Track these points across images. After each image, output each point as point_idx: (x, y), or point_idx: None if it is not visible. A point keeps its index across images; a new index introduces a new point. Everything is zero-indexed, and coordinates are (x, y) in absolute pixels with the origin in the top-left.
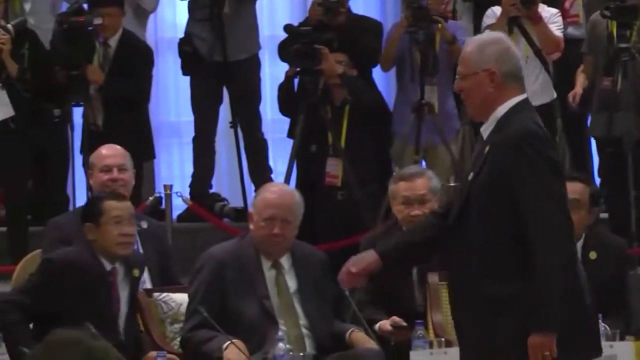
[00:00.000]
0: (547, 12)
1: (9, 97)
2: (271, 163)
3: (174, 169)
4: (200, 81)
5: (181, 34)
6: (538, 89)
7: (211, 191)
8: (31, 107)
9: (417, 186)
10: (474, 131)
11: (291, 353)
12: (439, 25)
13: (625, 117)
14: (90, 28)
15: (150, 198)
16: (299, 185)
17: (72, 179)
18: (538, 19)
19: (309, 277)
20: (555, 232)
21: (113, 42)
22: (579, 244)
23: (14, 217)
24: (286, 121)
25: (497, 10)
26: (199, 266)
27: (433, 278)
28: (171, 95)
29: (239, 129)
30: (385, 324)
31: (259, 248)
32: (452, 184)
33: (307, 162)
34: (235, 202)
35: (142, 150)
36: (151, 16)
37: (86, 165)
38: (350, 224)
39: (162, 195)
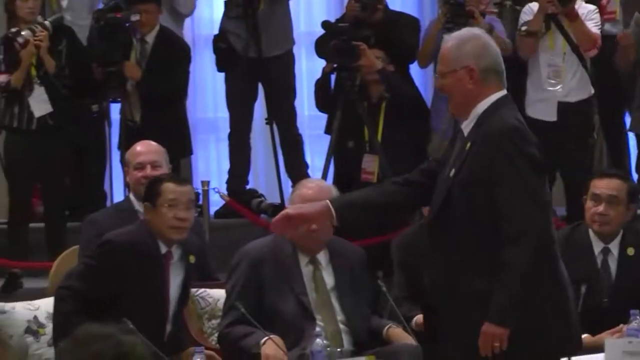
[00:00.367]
0: (585, 9)
1: (48, 94)
2: (308, 159)
3: (211, 165)
4: (235, 77)
5: (216, 31)
6: (575, 85)
7: (248, 187)
8: (69, 103)
9: None
10: None
11: (328, 349)
12: (475, 16)
13: None
14: (127, 24)
15: None
16: (335, 181)
17: (110, 175)
18: (575, 16)
19: (346, 272)
20: (528, 228)
21: (150, 38)
22: (617, 241)
23: (52, 213)
24: (323, 117)
25: (534, 6)
26: (236, 262)
27: None
28: (208, 92)
29: (274, 125)
30: (421, 318)
31: (296, 244)
32: None
33: (343, 158)
34: (272, 198)
35: (180, 146)
36: None
37: (123, 161)
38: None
39: (200, 191)
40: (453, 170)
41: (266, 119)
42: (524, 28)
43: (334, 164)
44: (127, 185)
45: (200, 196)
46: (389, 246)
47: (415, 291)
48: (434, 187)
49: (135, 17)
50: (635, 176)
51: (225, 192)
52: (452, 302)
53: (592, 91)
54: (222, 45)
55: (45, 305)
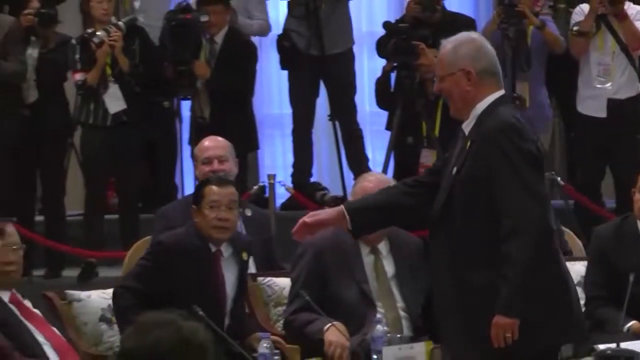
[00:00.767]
0: (633, 10)
1: (122, 92)
2: (369, 153)
3: (277, 159)
4: (298, 75)
5: (280, 30)
6: (624, 82)
7: (312, 180)
8: (142, 100)
9: None
10: (564, 122)
11: (389, 335)
12: (527, 16)
13: None
14: (197, 25)
15: (255, 187)
16: (395, 175)
17: (181, 168)
18: (624, 16)
19: (405, 261)
20: (526, 221)
21: (219, 38)
22: None
23: (126, 205)
24: (383, 114)
25: (585, 7)
26: (301, 252)
27: None
28: (274, 89)
29: (336, 121)
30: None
31: None
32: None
33: (403, 153)
34: (335, 190)
35: (247, 141)
36: None
37: (193, 155)
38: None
39: (266, 184)
40: (455, 168)
41: (329, 115)
42: (575, 28)
43: (394, 159)
44: (196, 178)
45: (267, 189)
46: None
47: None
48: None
49: (204, 18)
50: None
51: (291, 185)
52: (455, 297)
53: None
54: (285, 44)
55: None
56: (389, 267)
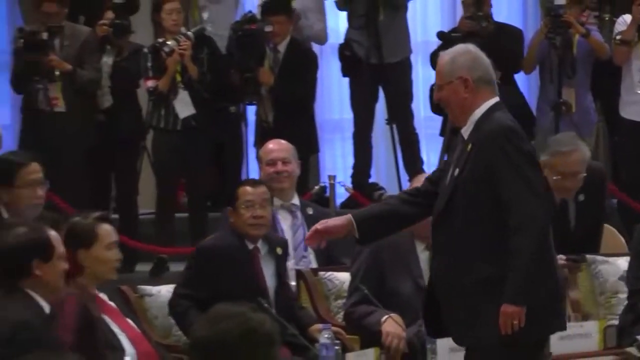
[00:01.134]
0: None
1: (191, 97)
2: (424, 156)
3: (336, 161)
4: (359, 82)
5: (342, 40)
6: None
7: (370, 181)
8: (210, 106)
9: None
10: (608, 126)
11: None
12: (573, 24)
13: None
14: (261, 35)
15: (316, 187)
16: None
17: (247, 169)
18: None
19: None
20: (531, 217)
21: (282, 47)
22: None
23: (195, 204)
24: (437, 118)
25: (628, 18)
26: (360, 248)
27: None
28: (334, 95)
29: (394, 125)
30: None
31: (414, 231)
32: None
33: None
34: (392, 190)
35: (308, 144)
36: None
37: (258, 157)
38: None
39: (327, 184)
40: (457, 170)
41: (386, 120)
42: (618, 37)
43: None
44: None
45: (327, 189)
46: None
47: None
48: None
49: (268, 29)
50: None
51: (350, 185)
52: (458, 290)
53: None
54: (346, 53)
55: None
56: None
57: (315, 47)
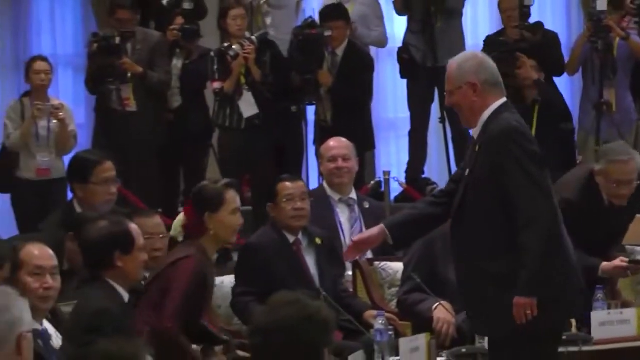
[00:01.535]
0: None
1: (254, 98)
2: None
3: (391, 158)
4: (416, 83)
5: (398, 44)
6: None
7: (423, 176)
8: (273, 106)
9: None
10: None
11: None
12: (614, 28)
13: None
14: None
15: (372, 182)
16: None
17: (307, 166)
18: None
19: None
20: (537, 214)
21: (340, 51)
22: None
23: (259, 198)
24: None
25: None
26: None
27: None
28: (389, 95)
29: (447, 124)
30: (609, 265)
31: None
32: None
33: None
34: (444, 185)
35: (364, 141)
36: None
37: (318, 154)
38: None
39: (382, 180)
40: (468, 170)
41: (439, 118)
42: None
43: None
44: (321, 174)
45: (382, 184)
46: None
47: None
48: None
49: (327, 33)
50: None
51: (404, 181)
52: (473, 284)
53: None
54: (404, 56)
55: None
56: None
57: (372, 50)
